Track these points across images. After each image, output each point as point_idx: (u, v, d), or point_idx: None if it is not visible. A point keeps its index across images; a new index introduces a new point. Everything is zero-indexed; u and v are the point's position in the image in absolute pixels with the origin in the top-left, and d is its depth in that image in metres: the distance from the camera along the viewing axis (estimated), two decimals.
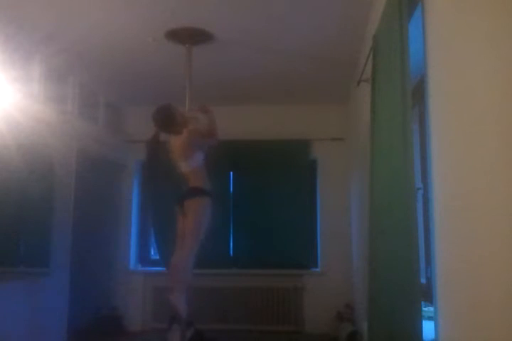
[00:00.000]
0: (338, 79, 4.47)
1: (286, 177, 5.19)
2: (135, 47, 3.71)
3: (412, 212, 1.75)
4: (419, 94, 2.33)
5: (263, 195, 5.20)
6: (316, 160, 5.36)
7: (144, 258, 5.49)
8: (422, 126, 2.61)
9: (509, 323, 1.10)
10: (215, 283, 5.01)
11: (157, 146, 3.59)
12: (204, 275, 4.73)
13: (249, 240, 5.19)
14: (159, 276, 5.14)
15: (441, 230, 1.68)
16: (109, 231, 5.12)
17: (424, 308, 1.88)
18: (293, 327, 5.02)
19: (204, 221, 3.41)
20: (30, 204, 3.72)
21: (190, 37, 3.45)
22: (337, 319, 4.78)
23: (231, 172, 5.36)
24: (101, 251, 4.90)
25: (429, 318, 1.92)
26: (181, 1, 3.02)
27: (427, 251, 2.16)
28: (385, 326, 2.25)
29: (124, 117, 5.49)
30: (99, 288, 4.89)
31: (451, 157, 1.56)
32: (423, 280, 2.34)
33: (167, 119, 3.42)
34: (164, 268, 5.09)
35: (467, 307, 1.41)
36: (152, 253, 5.56)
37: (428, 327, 1.76)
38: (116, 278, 5.20)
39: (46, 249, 3.90)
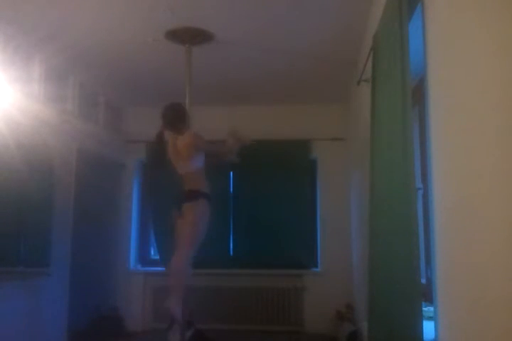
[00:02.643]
0: (338, 79, 4.47)
1: (286, 177, 5.18)
2: (135, 47, 3.71)
3: (412, 212, 1.75)
4: (419, 94, 2.33)
5: (263, 195, 5.20)
6: (316, 160, 5.36)
7: (143, 258, 5.49)
8: (422, 126, 2.61)
9: (509, 323, 1.10)
10: (215, 283, 5.01)
11: (162, 145, 3.57)
12: (204, 275, 4.73)
13: (249, 240, 5.18)
14: (159, 276, 5.15)
15: (441, 230, 1.68)
16: (109, 231, 5.12)
17: (424, 308, 1.88)
18: (293, 327, 5.02)
19: (202, 224, 3.39)
20: (30, 204, 3.71)
21: (190, 37, 3.45)
22: (337, 319, 4.78)
23: (231, 172, 5.36)
24: (101, 251, 4.90)
25: (429, 318, 1.92)
26: (181, 1, 3.02)
27: (427, 251, 2.16)
28: (385, 326, 2.25)
29: (124, 117, 5.49)
30: (99, 288, 4.89)
31: (451, 157, 1.56)
32: (423, 280, 2.34)
33: (177, 116, 3.43)
34: (164, 268, 5.10)
35: (467, 307, 1.41)
36: (152, 253, 5.56)
37: (428, 327, 1.76)
38: (116, 278, 5.19)
39: (46, 248, 3.89)
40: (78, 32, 3.40)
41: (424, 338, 1.69)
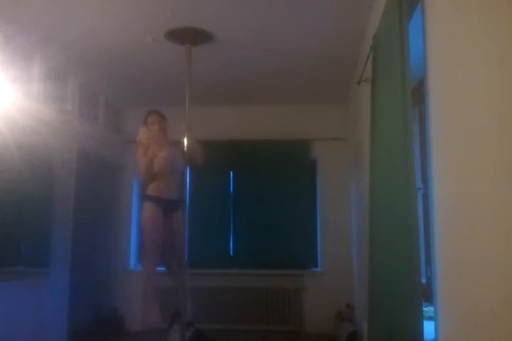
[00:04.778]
0: (338, 79, 4.46)
1: (286, 177, 5.19)
2: (135, 47, 3.71)
3: (412, 212, 1.75)
4: (419, 94, 2.33)
5: (263, 195, 5.20)
6: (316, 160, 5.36)
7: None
8: (422, 126, 2.61)
9: (509, 323, 1.10)
10: (215, 283, 5.01)
11: None
12: (204, 275, 4.73)
13: (249, 240, 5.18)
14: (159, 276, 5.14)
15: (441, 230, 1.68)
16: (109, 231, 5.12)
17: (424, 308, 1.88)
18: (293, 327, 5.02)
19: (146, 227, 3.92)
20: (30, 205, 3.71)
21: (190, 37, 3.45)
22: (337, 319, 4.78)
23: (231, 172, 5.35)
24: (101, 251, 4.90)
25: (429, 318, 1.92)
26: (181, 1, 3.02)
27: (427, 251, 2.16)
28: (385, 326, 2.25)
29: (124, 117, 5.48)
30: (99, 288, 4.89)
31: (451, 157, 1.56)
32: (423, 280, 2.34)
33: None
34: (164, 268, 5.10)
35: (467, 307, 1.41)
36: None
37: (428, 327, 1.76)
38: (116, 278, 5.19)
39: (46, 248, 3.89)
40: (78, 32, 3.40)
41: (424, 338, 1.69)
